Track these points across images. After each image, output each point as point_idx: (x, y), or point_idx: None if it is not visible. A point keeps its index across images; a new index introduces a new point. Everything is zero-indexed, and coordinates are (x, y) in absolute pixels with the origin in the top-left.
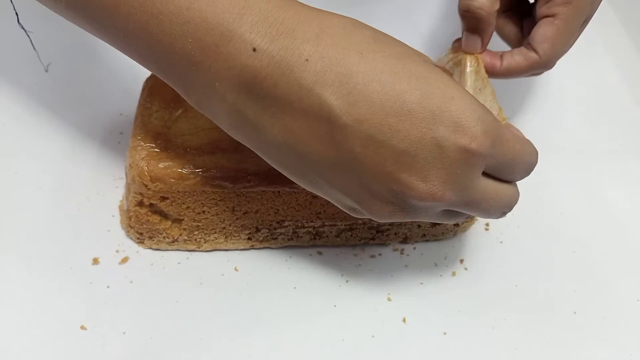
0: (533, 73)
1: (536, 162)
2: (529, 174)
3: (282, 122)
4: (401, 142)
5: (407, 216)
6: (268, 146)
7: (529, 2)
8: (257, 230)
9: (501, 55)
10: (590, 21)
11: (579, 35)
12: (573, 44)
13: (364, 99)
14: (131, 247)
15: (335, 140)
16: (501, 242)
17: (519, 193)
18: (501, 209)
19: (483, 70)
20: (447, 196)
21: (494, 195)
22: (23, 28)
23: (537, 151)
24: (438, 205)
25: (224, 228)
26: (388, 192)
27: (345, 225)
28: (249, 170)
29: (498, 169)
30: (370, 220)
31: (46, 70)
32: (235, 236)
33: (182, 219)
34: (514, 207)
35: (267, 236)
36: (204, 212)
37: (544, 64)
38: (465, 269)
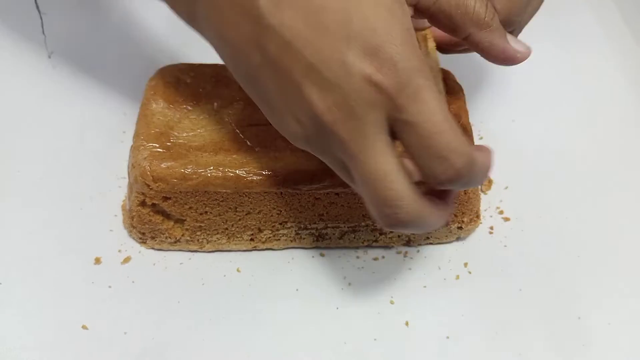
0: None
1: (460, 162)
2: (445, 173)
3: (215, 15)
4: (312, 56)
5: (308, 144)
6: (210, 37)
7: None
8: (260, 231)
9: None
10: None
11: None
12: (540, 1)
13: (289, 6)
14: (133, 247)
15: (259, 40)
16: (505, 246)
17: (426, 210)
18: (382, 203)
19: (433, 51)
20: (337, 125)
21: (384, 173)
22: (38, 8)
23: (467, 154)
24: (329, 134)
25: (227, 229)
26: (294, 105)
27: (348, 227)
28: (252, 170)
29: (401, 131)
30: (373, 222)
31: (49, 57)
32: (237, 237)
33: (185, 219)
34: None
35: (269, 237)
36: (206, 212)
37: (504, 22)
38: (469, 272)
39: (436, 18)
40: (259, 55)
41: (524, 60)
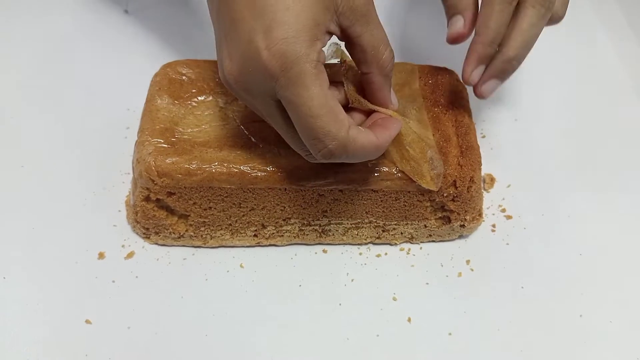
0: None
1: (333, 145)
2: (321, 152)
3: None
4: (237, 14)
5: (230, 89)
6: None
7: None
8: (263, 227)
9: None
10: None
11: None
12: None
13: None
14: (137, 242)
15: None
16: (507, 244)
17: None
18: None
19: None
20: (236, 86)
21: (277, 121)
22: None
23: (340, 138)
24: (235, 87)
25: (230, 224)
26: (219, 53)
27: (351, 223)
28: (256, 166)
29: (286, 108)
30: (377, 219)
31: (126, 11)
32: (241, 233)
33: (189, 215)
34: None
35: (273, 233)
36: (210, 208)
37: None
38: (471, 270)
39: (353, 47)
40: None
41: (396, 108)
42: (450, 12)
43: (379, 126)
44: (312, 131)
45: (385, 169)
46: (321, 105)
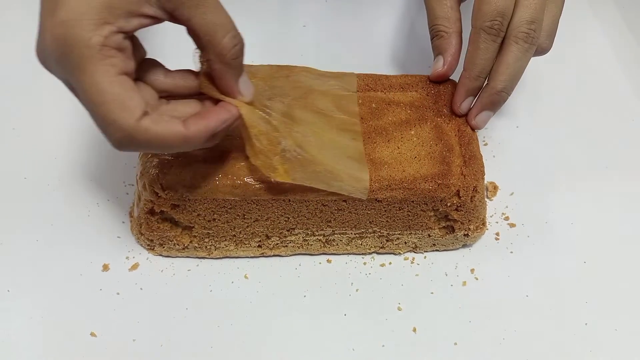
0: None
1: (117, 135)
2: (109, 141)
3: None
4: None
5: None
6: None
7: None
8: (268, 237)
9: None
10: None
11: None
12: None
13: None
14: (141, 253)
15: None
16: (511, 252)
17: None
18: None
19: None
20: (43, 66)
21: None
22: None
23: (125, 128)
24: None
25: (235, 235)
26: None
27: (355, 233)
28: (260, 178)
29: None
30: (381, 228)
31: None
32: (245, 244)
33: (193, 227)
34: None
35: (277, 244)
36: (214, 219)
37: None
38: (476, 278)
39: (189, 32)
40: None
41: (247, 99)
42: (434, 53)
43: (197, 116)
44: (97, 119)
45: None
46: (104, 92)
